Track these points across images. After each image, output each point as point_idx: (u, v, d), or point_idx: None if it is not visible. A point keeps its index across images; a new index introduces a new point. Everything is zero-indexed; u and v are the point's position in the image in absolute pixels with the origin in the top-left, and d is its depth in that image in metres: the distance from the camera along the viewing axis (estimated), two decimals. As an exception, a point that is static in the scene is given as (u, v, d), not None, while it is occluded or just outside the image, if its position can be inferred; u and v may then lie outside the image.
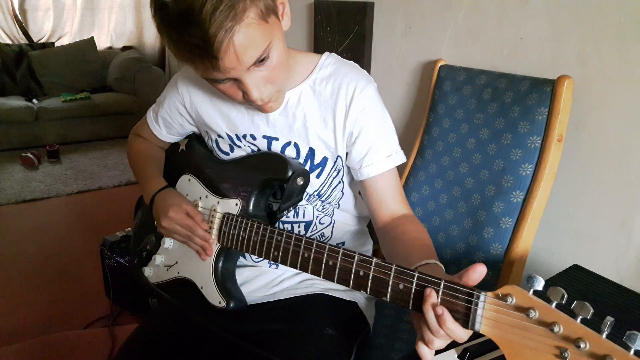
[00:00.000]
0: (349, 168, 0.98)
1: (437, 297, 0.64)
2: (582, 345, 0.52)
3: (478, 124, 1.31)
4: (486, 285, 1.21)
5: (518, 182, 1.19)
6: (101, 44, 5.32)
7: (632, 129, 1.13)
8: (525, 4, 1.29)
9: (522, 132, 1.20)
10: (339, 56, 0.97)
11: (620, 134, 1.15)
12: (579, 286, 0.94)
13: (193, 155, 1.09)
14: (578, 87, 1.17)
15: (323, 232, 1.04)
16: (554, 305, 0.56)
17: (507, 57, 1.35)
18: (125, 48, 5.43)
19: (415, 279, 0.66)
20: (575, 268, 1.01)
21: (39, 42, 5.05)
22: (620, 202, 1.17)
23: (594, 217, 1.23)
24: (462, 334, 0.63)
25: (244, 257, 1.04)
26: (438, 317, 0.63)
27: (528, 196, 1.18)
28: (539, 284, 0.57)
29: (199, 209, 0.99)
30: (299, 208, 1.00)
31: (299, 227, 1.01)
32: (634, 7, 1.09)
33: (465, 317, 0.62)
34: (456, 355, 0.75)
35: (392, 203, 0.94)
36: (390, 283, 0.69)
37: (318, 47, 1.96)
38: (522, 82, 1.23)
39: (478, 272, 0.64)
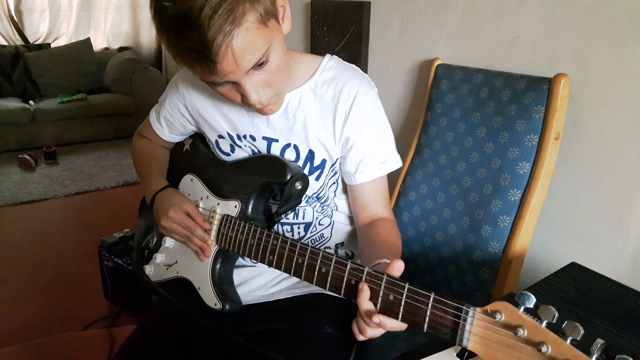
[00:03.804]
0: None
1: (427, 310, 0.64)
2: None
3: (475, 123, 1.31)
4: (485, 283, 1.22)
5: (515, 180, 1.20)
6: (97, 44, 5.30)
7: (628, 126, 1.14)
8: (521, 3, 1.29)
9: (519, 130, 1.20)
10: (340, 59, 0.97)
11: (616, 131, 1.16)
12: (576, 284, 0.94)
13: (196, 156, 1.09)
14: (574, 85, 1.18)
15: (322, 233, 1.04)
16: (544, 324, 0.54)
17: (504, 56, 1.36)
18: (121, 49, 5.42)
19: (406, 290, 0.66)
20: (573, 266, 1.02)
21: (35, 43, 5.04)
22: (617, 200, 1.18)
23: (591, 215, 1.23)
24: (399, 326, 0.69)
25: (243, 258, 1.04)
26: (379, 325, 0.68)
27: (525, 194, 1.18)
28: (530, 302, 0.56)
29: (200, 209, 0.99)
30: (298, 210, 1.00)
31: (298, 228, 1.02)
32: (630, 5, 1.10)
33: (453, 332, 0.62)
34: (455, 354, 0.75)
35: (374, 207, 0.97)
36: (381, 293, 0.69)
37: (315, 47, 1.96)
38: (519, 81, 1.23)
39: (396, 268, 0.70)
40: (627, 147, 1.15)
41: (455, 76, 1.40)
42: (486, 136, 1.28)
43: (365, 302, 0.69)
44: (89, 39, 5.10)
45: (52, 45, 5.06)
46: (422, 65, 1.60)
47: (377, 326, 0.69)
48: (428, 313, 0.64)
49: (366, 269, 0.71)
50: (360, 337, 0.74)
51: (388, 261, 0.78)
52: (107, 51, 5.36)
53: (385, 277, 0.69)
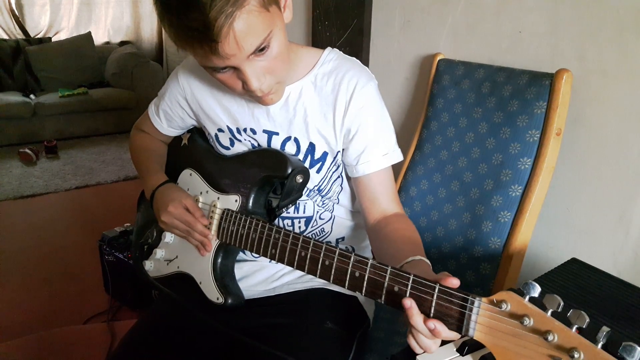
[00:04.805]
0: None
1: (432, 301, 0.64)
2: (576, 356, 0.51)
3: (477, 118, 1.31)
4: (485, 278, 1.22)
5: (517, 176, 1.20)
6: (98, 39, 5.29)
7: (630, 122, 1.13)
8: (523, -2, 1.29)
9: (520, 126, 1.20)
10: (341, 52, 0.97)
11: (618, 127, 1.16)
12: (577, 280, 0.94)
13: (195, 150, 1.09)
14: (576, 81, 1.17)
15: (323, 228, 1.04)
16: (549, 313, 0.55)
17: (506, 51, 1.35)
18: (122, 43, 5.41)
19: (410, 282, 0.66)
20: (574, 262, 1.02)
21: (36, 37, 5.02)
22: (618, 196, 1.17)
23: (592, 211, 1.23)
24: (455, 336, 0.64)
25: (244, 252, 1.04)
26: (432, 331, 0.63)
27: (527, 190, 1.18)
28: (535, 291, 0.56)
29: (200, 204, 0.99)
30: (299, 203, 1.00)
31: (299, 222, 1.02)
32: (633, 1, 1.09)
33: (459, 323, 0.62)
34: (455, 349, 0.75)
35: (384, 202, 0.95)
36: (385, 285, 0.69)
37: (316, 42, 1.95)
38: (521, 76, 1.23)
39: (450, 284, 0.65)
40: (628, 143, 1.14)
41: (457, 71, 1.40)
42: (487, 132, 1.27)
43: (417, 315, 0.65)
44: (89, 33, 5.09)
45: (53, 39, 5.05)
46: (424, 60, 1.60)
47: (433, 336, 0.65)
48: (434, 304, 0.64)
49: (370, 261, 0.71)
50: (421, 351, 0.68)
51: (419, 258, 0.77)
52: (108, 45, 5.35)
53: (389, 268, 0.69)
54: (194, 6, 0.69)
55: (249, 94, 0.85)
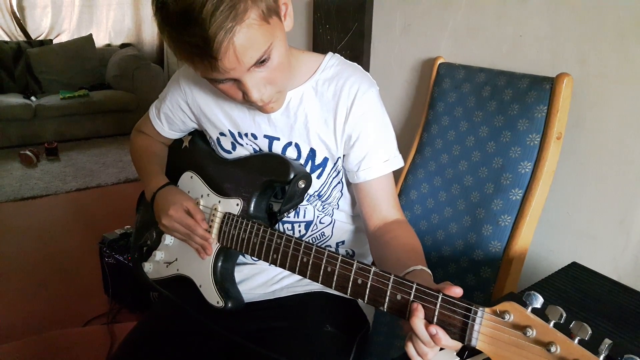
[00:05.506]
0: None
1: (435, 310, 0.64)
2: None
3: (477, 122, 1.31)
4: (485, 282, 1.22)
5: (517, 179, 1.20)
6: (99, 41, 5.30)
7: (631, 126, 1.13)
8: (524, 2, 1.29)
9: (521, 129, 1.20)
10: (342, 57, 0.97)
11: (619, 131, 1.16)
12: (577, 284, 0.94)
13: (196, 153, 1.09)
14: (577, 85, 1.17)
15: (323, 232, 1.04)
16: (552, 324, 0.55)
17: (507, 55, 1.35)
18: (123, 45, 5.42)
19: (414, 290, 0.66)
20: (574, 266, 1.02)
21: (37, 39, 5.03)
22: (619, 200, 1.17)
23: (593, 215, 1.23)
24: (456, 345, 0.64)
25: (243, 255, 1.04)
26: (433, 337, 0.63)
27: (527, 194, 1.18)
28: (538, 302, 0.56)
29: (200, 207, 0.99)
30: (299, 208, 1.00)
31: (299, 226, 1.01)
32: (633, 4, 1.09)
33: (461, 332, 0.62)
34: (455, 353, 0.75)
35: (385, 208, 0.95)
36: (388, 293, 0.68)
37: (317, 45, 1.95)
38: (522, 80, 1.23)
39: (453, 293, 0.65)
40: (629, 147, 1.14)
41: (457, 75, 1.40)
42: (488, 135, 1.27)
43: (420, 319, 0.65)
44: (91, 35, 5.10)
45: (54, 42, 5.05)
46: (425, 64, 1.60)
47: (434, 344, 0.65)
48: (437, 313, 0.64)
49: (373, 269, 0.71)
50: (418, 359, 0.68)
51: (420, 268, 0.77)
52: (109, 47, 5.36)
53: (392, 276, 0.69)
54: (194, 21, 0.68)
55: (249, 103, 0.85)
